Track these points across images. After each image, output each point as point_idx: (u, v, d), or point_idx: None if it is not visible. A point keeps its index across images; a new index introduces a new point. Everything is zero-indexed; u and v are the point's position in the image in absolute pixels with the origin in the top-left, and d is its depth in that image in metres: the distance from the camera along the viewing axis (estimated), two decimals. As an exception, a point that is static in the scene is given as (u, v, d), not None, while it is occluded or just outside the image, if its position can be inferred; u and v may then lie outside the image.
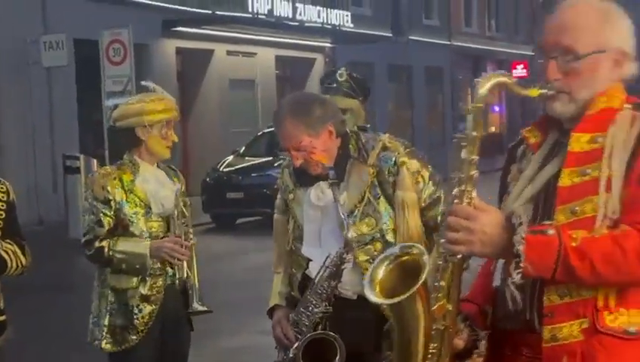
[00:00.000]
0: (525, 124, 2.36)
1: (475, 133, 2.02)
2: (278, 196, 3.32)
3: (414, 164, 3.12)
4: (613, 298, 1.98)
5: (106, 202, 3.77)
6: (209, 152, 18.19)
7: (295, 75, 23.76)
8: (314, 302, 3.03)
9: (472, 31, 32.96)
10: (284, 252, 3.27)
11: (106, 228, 3.78)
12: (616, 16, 2.11)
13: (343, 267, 3.00)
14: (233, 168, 15.48)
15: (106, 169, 3.96)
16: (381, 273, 2.10)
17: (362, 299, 3.06)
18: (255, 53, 21.48)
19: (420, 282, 2.00)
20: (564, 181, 2.03)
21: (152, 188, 3.83)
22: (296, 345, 3.06)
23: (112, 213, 3.77)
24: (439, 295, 2.04)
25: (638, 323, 1.99)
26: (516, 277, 1.93)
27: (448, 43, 30.98)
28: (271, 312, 3.30)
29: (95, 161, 13.36)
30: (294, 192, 3.19)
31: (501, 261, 2.09)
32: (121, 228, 3.80)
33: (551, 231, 1.94)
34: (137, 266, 3.74)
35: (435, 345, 2.08)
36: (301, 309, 3.08)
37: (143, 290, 3.78)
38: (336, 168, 3.04)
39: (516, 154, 2.24)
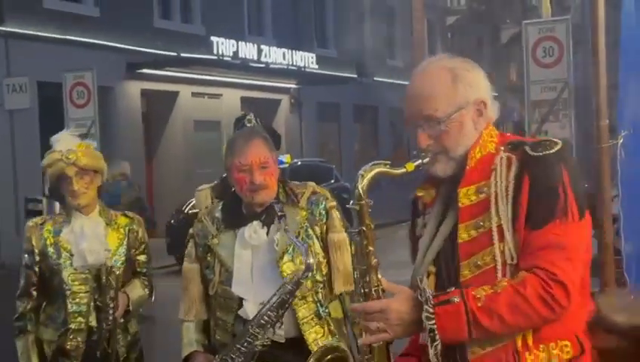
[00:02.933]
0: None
1: (364, 228, 2.14)
2: (189, 245, 3.34)
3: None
4: (530, 337, 2.09)
5: (31, 253, 3.78)
6: (174, 194, 18.09)
7: (261, 116, 23.20)
8: (256, 334, 3.02)
9: (436, 72, 33.32)
10: (197, 299, 3.29)
11: (32, 280, 3.78)
12: (466, 72, 2.21)
13: (296, 294, 3.04)
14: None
15: (35, 221, 3.91)
16: None
17: (291, 341, 3.10)
18: (220, 95, 21.52)
19: None
20: (462, 236, 2.13)
21: (76, 239, 3.77)
22: None
23: (37, 265, 3.77)
24: None
25: (558, 355, 2.10)
26: (432, 351, 2.03)
27: (412, 84, 31.27)
28: (187, 361, 3.29)
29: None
30: (218, 237, 3.23)
31: None
32: (46, 280, 3.78)
33: (456, 299, 2.03)
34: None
35: None
36: (236, 346, 3.05)
37: (63, 343, 3.75)
38: (267, 211, 3.16)
39: (419, 208, 2.35)
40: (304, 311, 3.15)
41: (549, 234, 2.05)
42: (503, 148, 2.17)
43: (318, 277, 3.17)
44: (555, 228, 2.05)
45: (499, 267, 2.07)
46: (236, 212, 3.22)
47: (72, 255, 3.74)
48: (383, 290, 2.12)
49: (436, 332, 2.02)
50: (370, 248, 2.14)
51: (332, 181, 18.97)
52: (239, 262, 3.17)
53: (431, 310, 2.02)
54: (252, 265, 3.17)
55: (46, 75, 15.29)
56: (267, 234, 3.17)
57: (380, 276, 2.13)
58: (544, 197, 2.07)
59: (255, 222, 3.16)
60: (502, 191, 2.10)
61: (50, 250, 3.75)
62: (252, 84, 22.33)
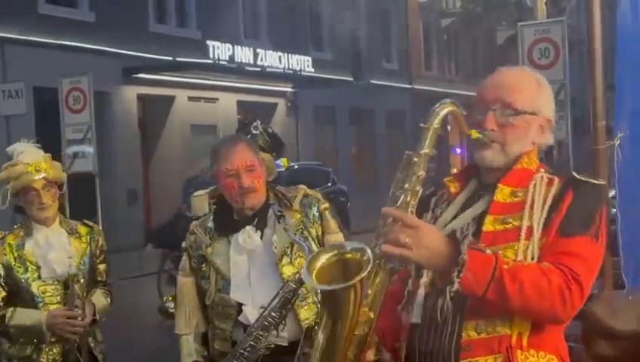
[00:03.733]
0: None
1: (426, 151, 2.17)
2: (183, 258, 3.35)
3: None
4: (526, 337, 2.16)
5: (4, 267, 3.70)
6: (170, 198, 18.08)
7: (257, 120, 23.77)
8: (259, 337, 3.01)
9: (432, 74, 33.39)
10: (195, 311, 3.30)
11: (1, 294, 3.69)
12: (546, 86, 2.36)
13: (299, 292, 3.04)
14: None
15: (1, 233, 3.83)
16: (322, 261, 2.17)
17: (294, 344, 3.06)
18: (217, 99, 21.53)
19: (360, 277, 2.06)
20: (488, 227, 2.21)
21: (42, 251, 3.73)
22: None
23: (3, 279, 3.70)
24: (364, 301, 2.14)
25: None
26: (456, 284, 2.04)
27: (409, 86, 31.33)
28: None
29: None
30: (212, 246, 3.25)
31: (420, 297, 2.23)
32: (17, 293, 3.71)
33: (488, 251, 2.10)
34: (35, 338, 3.65)
35: (353, 350, 2.16)
36: (239, 351, 3.05)
37: (39, 359, 3.67)
38: (258, 215, 3.19)
39: (430, 203, 2.38)
40: (305, 312, 3.16)
41: (576, 245, 2.15)
42: (543, 170, 2.30)
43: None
44: (583, 243, 2.16)
45: (518, 260, 2.15)
46: (228, 219, 3.24)
47: (38, 267, 3.70)
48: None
49: (461, 271, 2.03)
50: (421, 173, 2.15)
51: (329, 184, 18.99)
52: (236, 268, 3.18)
53: (466, 248, 2.05)
54: (249, 270, 3.18)
55: (42, 81, 15.29)
56: (261, 237, 3.18)
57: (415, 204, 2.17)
58: (583, 215, 2.19)
59: (248, 227, 3.19)
60: (539, 200, 2.21)
61: (16, 264, 3.70)
62: (248, 87, 22.33)
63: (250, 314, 3.11)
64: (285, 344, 3.11)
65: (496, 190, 2.24)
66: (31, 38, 16.19)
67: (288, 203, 3.25)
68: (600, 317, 3.03)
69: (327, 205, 3.30)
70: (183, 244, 3.37)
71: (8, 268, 3.69)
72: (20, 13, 16.01)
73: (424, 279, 2.24)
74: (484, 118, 2.27)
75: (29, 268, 3.69)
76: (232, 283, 3.16)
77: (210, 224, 3.29)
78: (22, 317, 3.63)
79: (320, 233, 3.25)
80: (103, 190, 12.50)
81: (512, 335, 2.14)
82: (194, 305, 3.30)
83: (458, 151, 33.81)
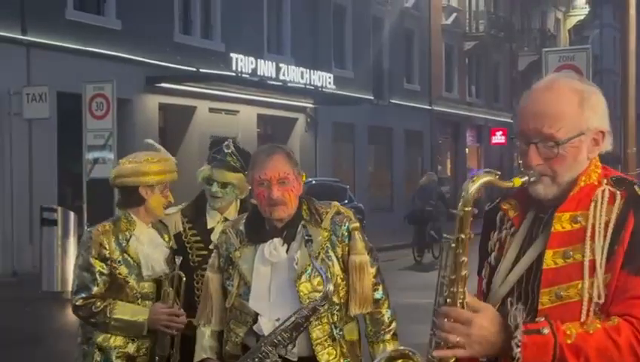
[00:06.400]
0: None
1: (463, 236, 2.01)
2: (213, 255, 3.35)
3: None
4: None
5: (104, 260, 3.67)
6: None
7: (276, 134, 23.87)
8: (267, 353, 3.02)
9: (453, 96, 33.39)
10: (219, 309, 3.29)
11: (102, 287, 3.67)
12: (593, 97, 2.11)
13: (311, 319, 3.04)
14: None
15: (104, 226, 3.75)
16: None
17: (303, 360, 3.07)
18: (237, 111, 21.60)
19: None
20: (548, 263, 2.04)
21: (145, 249, 3.75)
22: None
23: (108, 271, 3.68)
24: None
25: None
26: None
27: (429, 108, 31.34)
28: None
29: (72, 213, 13.25)
30: (241, 250, 3.23)
31: None
32: (115, 287, 3.70)
33: (546, 331, 1.94)
34: (134, 332, 3.69)
35: None
36: (247, 361, 3.06)
37: (130, 350, 3.71)
38: (288, 228, 3.16)
39: (495, 220, 2.24)
40: (318, 332, 3.13)
41: None
42: (605, 181, 2.09)
43: (335, 300, 3.16)
44: None
45: (584, 303, 1.99)
46: (259, 227, 3.22)
47: (139, 264, 3.72)
48: (469, 306, 1.99)
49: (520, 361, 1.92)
50: (464, 258, 2.01)
51: (346, 201, 18.98)
52: (258, 277, 3.17)
53: (519, 337, 1.92)
54: (270, 282, 3.16)
55: (66, 86, 15.40)
56: (287, 251, 3.16)
57: (466, 289, 2.03)
58: None
59: (276, 239, 3.16)
60: (600, 225, 2.01)
61: (119, 259, 3.70)
62: (269, 101, 22.42)
63: (265, 325, 3.11)
64: (295, 359, 3.10)
65: (554, 220, 2.06)
66: (57, 43, 16.34)
67: (319, 219, 3.22)
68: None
69: (357, 225, 3.25)
70: (215, 241, 3.38)
71: (117, 262, 3.69)
72: (47, 19, 16.16)
73: None
74: (527, 152, 2.09)
75: (132, 265, 3.70)
76: (252, 292, 3.15)
77: (242, 227, 3.27)
78: (124, 310, 3.66)
79: (345, 252, 3.21)
80: (120, 197, 12.49)
81: None
82: (217, 302, 3.29)
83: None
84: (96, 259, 3.67)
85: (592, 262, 1.99)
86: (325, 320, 3.13)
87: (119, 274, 3.69)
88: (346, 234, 3.21)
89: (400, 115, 28.75)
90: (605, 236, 1.99)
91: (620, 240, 1.98)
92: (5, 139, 15.22)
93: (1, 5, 15.30)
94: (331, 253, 3.18)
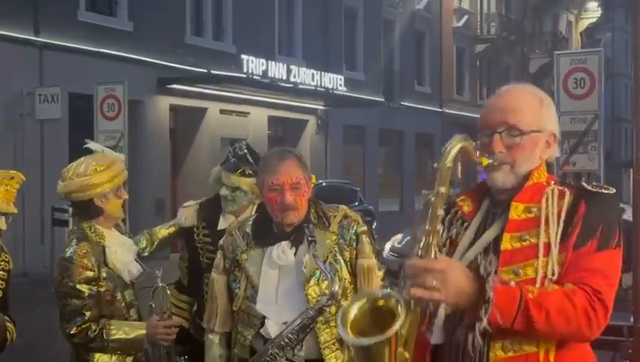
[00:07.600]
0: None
1: (443, 190, 2.19)
2: (218, 256, 3.33)
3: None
4: (553, 354, 2.20)
5: (89, 282, 3.56)
6: (198, 210, 18.11)
7: (287, 136, 23.89)
8: (275, 355, 3.03)
9: (464, 99, 33.34)
10: (224, 310, 3.28)
11: (93, 309, 3.57)
12: (548, 103, 2.40)
13: (318, 319, 3.04)
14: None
15: (82, 248, 3.60)
16: (354, 312, 2.19)
17: None
18: (248, 113, 21.62)
19: (396, 328, 2.09)
20: (505, 245, 2.26)
21: (119, 256, 3.67)
22: None
23: (95, 292, 3.57)
24: (399, 343, 2.16)
25: None
26: (485, 321, 2.09)
27: (440, 110, 31.30)
28: None
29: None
30: (248, 253, 3.21)
31: (440, 318, 2.29)
32: (104, 304, 3.61)
33: (513, 283, 2.15)
34: (132, 351, 3.64)
35: None
36: None
37: None
38: (297, 229, 3.15)
39: (444, 221, 2.38)
40: (326, 335, 3.13)
41: (597, 260, 2.19)
42: (553, 182, 2.34)
43: (343, 303, 3.12)
44: (602, 257, 2.20)
45: (538, 279, 2.19)
46: (267, 229, 3.20)
47: (119, 272, 3.65)
48: (438, 257, 2.16)
49: (492, 304, 2.07)
50: (440, 213, 2.18)
51: (356, 203, 18.97)
52: (265, 280, 3.16)
53: (491, 285, 2.08)
54: (278, 286, 3.16)
55: (77, 87, 15.46)
56: (295, 254, 3.15)
57: (439, 243, 2.21)
58: (598, 228, 2.22)
59: (284, 243, 3.15)
60: (553, 215, 2.24)
61: (101, 275, 3.62)
62: (280, 103, 22.44)
63: (272, 328, 3.10)
64: None
65: (511, 208, 2.30)
66: (69, 45, 16.38)
67: (327, 222, 3.22)
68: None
69: (365, 228, 3.26)
70: (220, 242, 3.35)
71: (103, 279, 3.60)
72: (59, 20, 16.21)
73: None
74: (491, 141, 2.33)
75: (114, 277, 3.63)
76: (260, 295, 3.15)
77: (249, 229, 3.26)
78: (120, 330, 3.57)
79: (353, 256, 3.21)
80: (131, 198, 12.52)
81: (539, 353, 2.19)
82: (223, 304, 3.28)
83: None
84: (82, 283, 3.56)
85: (547, 245, 2.22)
86: (333, 324, 3.12)
87: (106, 290, 3.60)
88: (354, 237, 3.21)
89: (411, 117, 28.73)
90: (559, 223, 2.23)
91: (573, 223, 2.22)
92: (17, 139, 15.28)
93: (14, 7, 15.36)
94: (339, 257, 3.18)
